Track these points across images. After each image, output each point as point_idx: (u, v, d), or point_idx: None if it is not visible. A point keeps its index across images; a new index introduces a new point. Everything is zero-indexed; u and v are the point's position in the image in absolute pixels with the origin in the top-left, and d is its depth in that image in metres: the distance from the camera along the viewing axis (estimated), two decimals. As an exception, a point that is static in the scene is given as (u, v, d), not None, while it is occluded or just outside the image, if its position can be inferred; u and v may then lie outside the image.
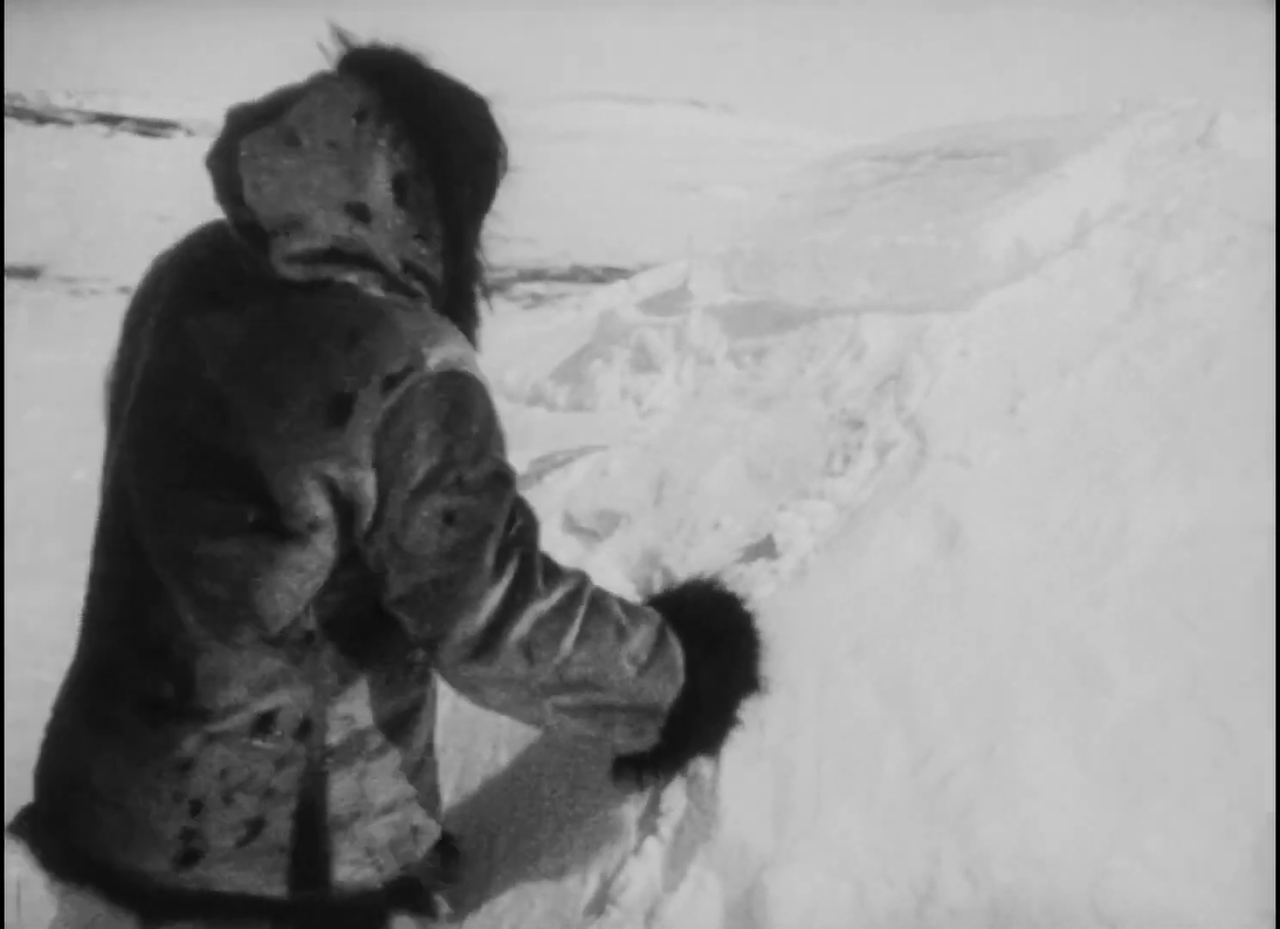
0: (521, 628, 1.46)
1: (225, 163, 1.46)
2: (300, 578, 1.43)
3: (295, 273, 1.44)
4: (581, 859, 1.83)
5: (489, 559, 1.44)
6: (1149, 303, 2.59)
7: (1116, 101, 4.41)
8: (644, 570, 2.36)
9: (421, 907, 1.64)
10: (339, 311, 1.43)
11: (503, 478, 1.47)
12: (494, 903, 1.89)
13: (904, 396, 2.53)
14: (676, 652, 1.63)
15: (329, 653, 1.49)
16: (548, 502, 2.74)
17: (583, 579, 1.56)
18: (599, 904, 1.74)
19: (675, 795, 1.77)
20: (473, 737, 2.20)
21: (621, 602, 1.61)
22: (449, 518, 1.42)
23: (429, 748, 1.65)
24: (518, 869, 1.92)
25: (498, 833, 2.02)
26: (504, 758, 2.14)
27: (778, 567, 2.11)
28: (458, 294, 1.59)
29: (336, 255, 1.45)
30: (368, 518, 1.42)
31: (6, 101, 13.77)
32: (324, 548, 1.43)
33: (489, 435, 1.46)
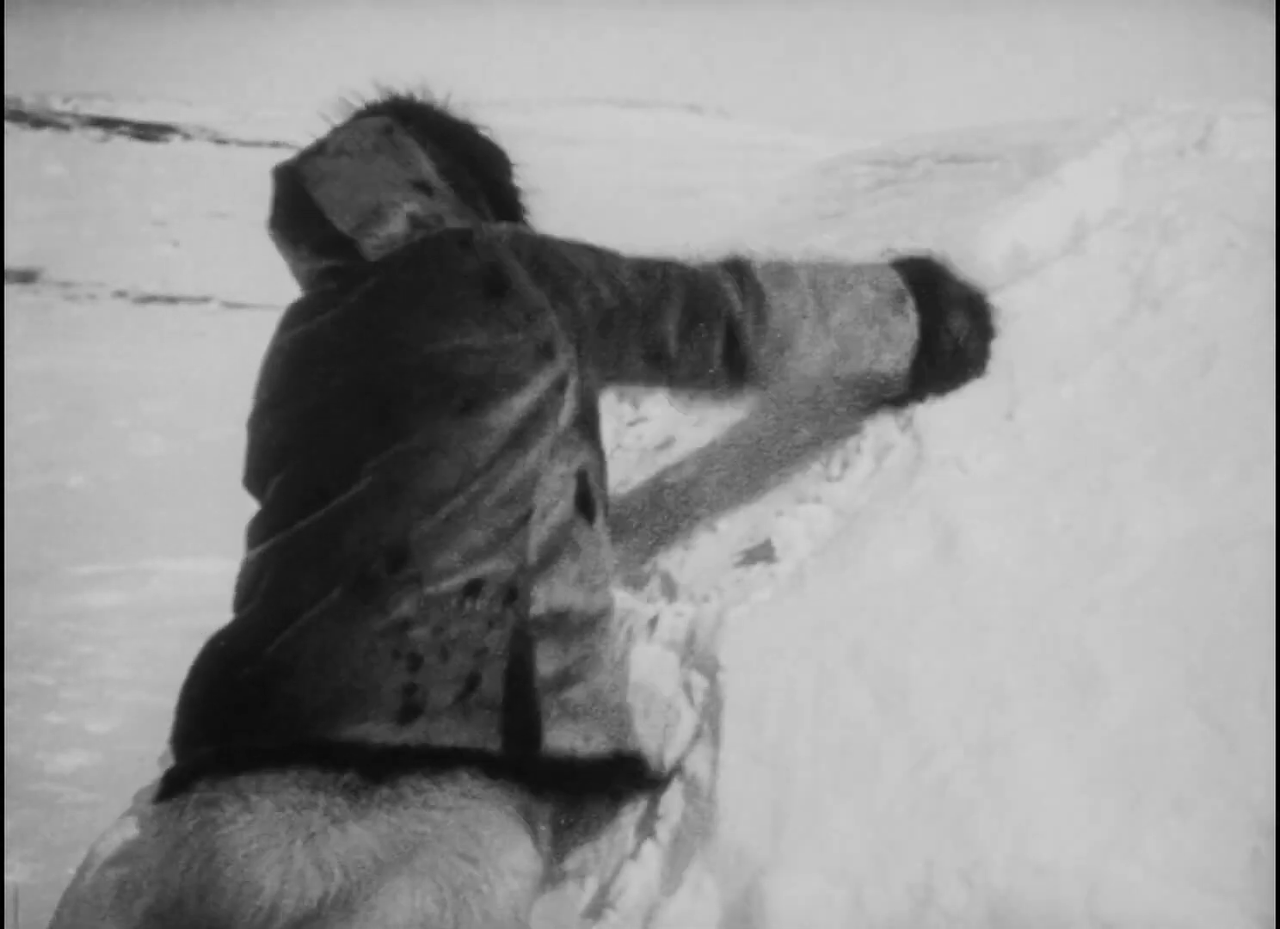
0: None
1: (290, 195, 1.73)
2: (501, 437, 1.59)
3: (392, 249, 1.69)
4: (578, 863, 1.82)
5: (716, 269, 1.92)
6: (1146, 308, 2.58)
7: (1114, 105, 4.41)
8: (640, 574, 2.36)
9: (639, 780, 1.70)
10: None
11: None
12: (491, 907, 1.89)
13: (901, 401, 2.52)
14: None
15: (536, 534, 1.58)
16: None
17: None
18: (596, 908, 1.73)
19: (673, 799, 1.77)
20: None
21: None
22: (643, 270, 1.79)
23: (620, 665, 1.71)
24: (515, 874, 1.91)
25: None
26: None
27: (775, 571, 2.11)
28: None
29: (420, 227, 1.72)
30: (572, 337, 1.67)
31: (5, 106, 13.77)
32: (536, 393, 1.63)
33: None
